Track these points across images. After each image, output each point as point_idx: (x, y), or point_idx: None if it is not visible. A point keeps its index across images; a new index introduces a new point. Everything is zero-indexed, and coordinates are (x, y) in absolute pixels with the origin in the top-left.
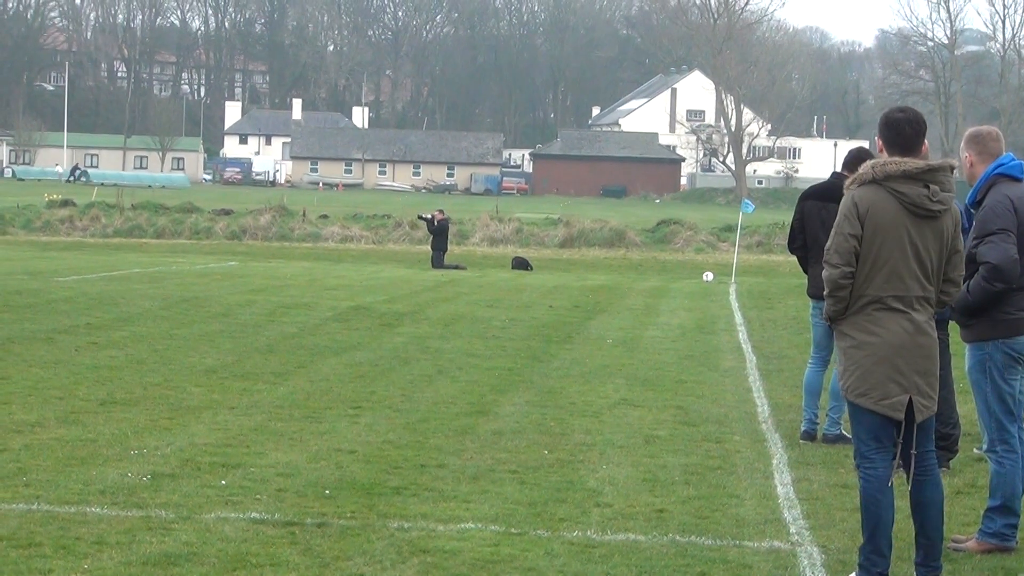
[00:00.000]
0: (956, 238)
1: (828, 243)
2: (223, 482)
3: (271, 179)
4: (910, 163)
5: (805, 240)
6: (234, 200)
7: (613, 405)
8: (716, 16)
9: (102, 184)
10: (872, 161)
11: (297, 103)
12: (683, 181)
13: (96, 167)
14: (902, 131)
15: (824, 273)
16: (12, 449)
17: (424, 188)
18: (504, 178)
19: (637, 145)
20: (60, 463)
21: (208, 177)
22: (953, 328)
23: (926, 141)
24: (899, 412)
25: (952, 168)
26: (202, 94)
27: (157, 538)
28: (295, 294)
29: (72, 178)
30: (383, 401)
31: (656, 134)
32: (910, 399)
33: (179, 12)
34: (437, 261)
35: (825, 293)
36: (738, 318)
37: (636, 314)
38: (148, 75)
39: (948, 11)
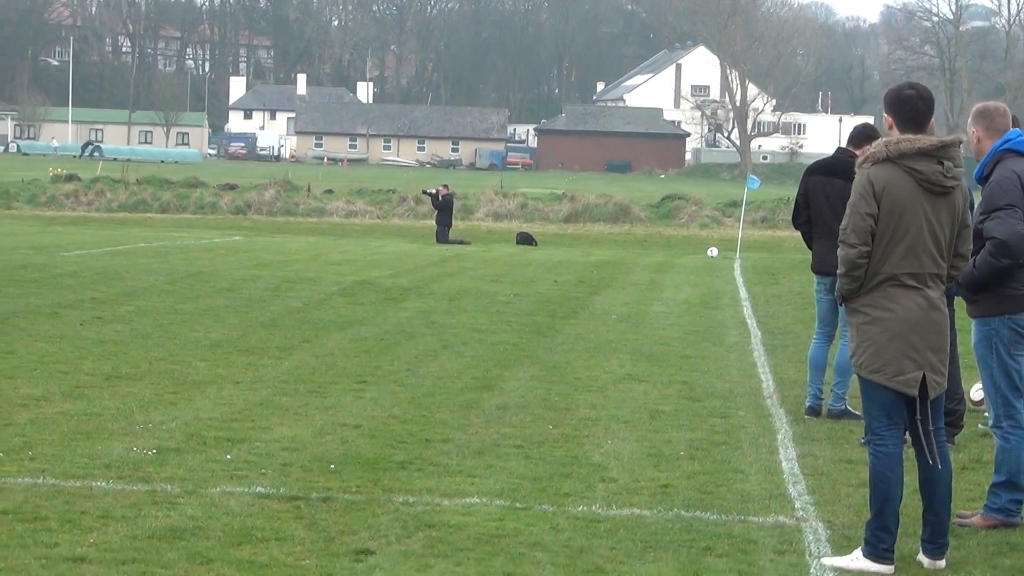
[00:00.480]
0: (966, 213)
1: (844, 222)
2: (228, 456)
3: (276, 154)
4: (924, 140)
5: (810, 215)
6: (239, 175)
7: (618, 380)
8: None
9: (115, 159)
10: (884, 139)
11: (302, 78)
12: (688, 156)
13: (101, 142)
14: (916, 107)
15: (840, 252)
16: (18, 423)
17: (429, 163)
18: (509, 153)
19: (642, 120)
20: (65, 437)
21: (213, 152)
22: (959, 304)
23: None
24: (913, 388)
25: (961, 143)
26: (207, 69)
27: (163, 512)
28: (300, 269)
29: (84, 153)
30: (388, 376)
31: (661, 109)
32: (923, 376)
33: None
34: (442, 236)
35: (840, 272)
36: (743, 293)
37: (641, 289)
38: (153, 50)
39: None
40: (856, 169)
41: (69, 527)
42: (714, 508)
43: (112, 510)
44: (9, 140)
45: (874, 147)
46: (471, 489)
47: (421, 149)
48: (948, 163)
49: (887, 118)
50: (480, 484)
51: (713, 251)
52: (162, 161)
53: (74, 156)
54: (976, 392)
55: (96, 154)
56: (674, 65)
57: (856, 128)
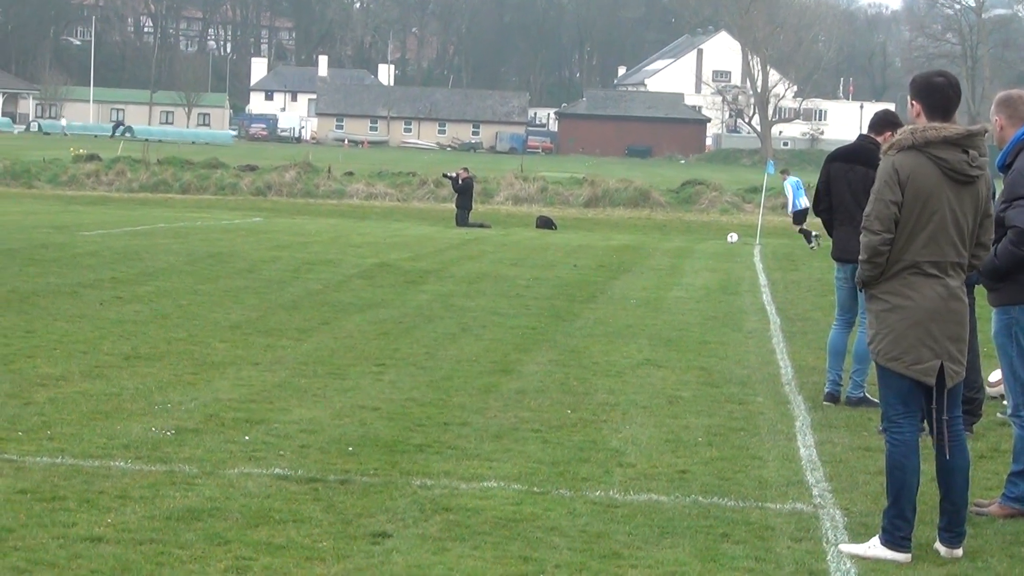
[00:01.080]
0: (989, 202)
1: (867, 209)
2: (246, 438)
3: (296, 136)
4: (950, 129)
5: (831, 202)
6: (259, 156)
7: (636, 365)
8: None
9: (145, 140)
10: (910, 127)
11: (323, 60)
12: (708, 142)
13: (123, 122)
14: (946, 95)
15: (863, 239)
16: (37, 402)
17: (449, 146)
18: (529, 137)
19: (663, 105)
20: (84, 417)
21: (234, 133)
22: (979, 292)
23: None
24: (930, 377)
25: (986, 132)
26: (228, 50)
27: (180, 493)
28: (320, 251)
29: (115, 134)
30: (407, 358)
31: (682, 94)
32: (941, 365)
33: None
34: (462, 219)
35: (862, 259)
36: (762, 279)
37: (660, 274)
38: (175, 30)
39: None
40: (881, 156)
41: (87, 507)
42: (732, 494)
43: (130, 490)
44: (31, 119)
45: (900, 134)
46: (489, 473)
47: (442, 132)
48: (973, 152)
49: (914, 105)
50: (498, 468)
51: (733, 236)
52: (193, 142)
53: (94, 136)
54: (995, 376)
55: (127, 134)
56: (695, 50)
57: (876, 114)
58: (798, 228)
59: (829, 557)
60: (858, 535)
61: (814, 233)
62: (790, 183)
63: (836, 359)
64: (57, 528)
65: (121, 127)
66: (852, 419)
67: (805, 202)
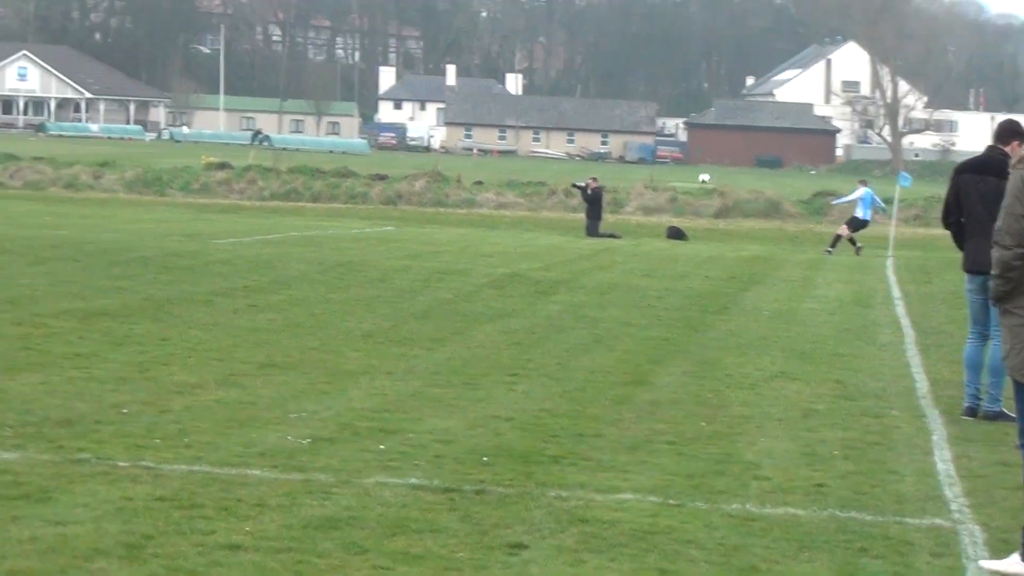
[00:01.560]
0: None
1: (998, 224)
2: (382, 447)
3: (426, 144)
4: None
5: (960, 214)
6: (389, 165)
7: (770, 377)
8: None
9: (283, 149)
10: None
11: (451, 69)
12: (838, 153)
13: (251, 130)
14: None
15: (994, 254)
16: (173, 410)
17: (578, 156)
18: (658, 147)
19: (791, 116)
20: (220, 425)
21: (365, 141)
22: None
23: None
24: None
25: None
26: (356, 59)
27: (317, 501)
28: (450, 260)
29: (254, 142)
30: (539, 369)
31: (811, 105)
32: None
33: None
34: (592, 229)
35: (994, 273)
36: (895, 292)
37: (792, 286)
38: (303, 39)
39: None
40: (1010, 169)
41: (225, 515)
42: (869, 509)
43: (267, 498)
44: (161, 127)
45: None
46: (624, 485)
47: (570, 141)
48: None
49: None
50: (633, 480)
51: (705, 176)
52: (330, 151)
53: (225, 144)
54: None
55: (265, 143)
56: (824, 60)
57: (1001, 124)
58: (847, 234)
59: (969, 573)
60: (998, 551)
61: (859, 244)
62: (862, 192)
63: (973, 373)
64: (196, 536)
65: (259, 135)
66: (989, 433)
67: (870, 215)
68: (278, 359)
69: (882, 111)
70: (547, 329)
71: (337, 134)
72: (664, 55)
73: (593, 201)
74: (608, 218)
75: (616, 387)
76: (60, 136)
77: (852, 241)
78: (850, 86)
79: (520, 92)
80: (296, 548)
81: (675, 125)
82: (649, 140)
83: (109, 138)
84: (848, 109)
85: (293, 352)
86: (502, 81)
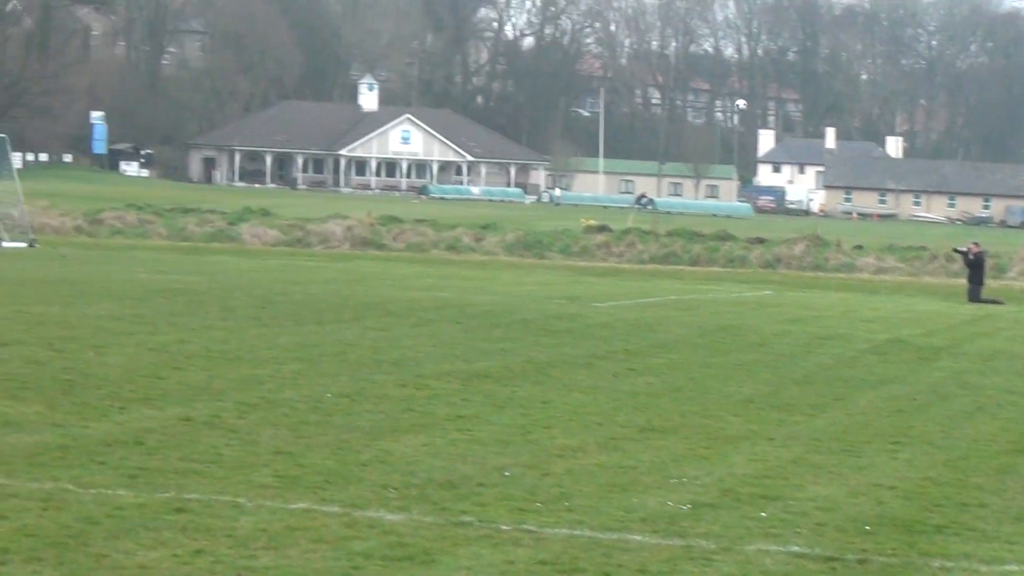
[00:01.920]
0: None
1: None
2: (763, 514)
3: (804, 208)
4: None
5: None
6: (768, 228)
7: None
8: None
9: (667, 212)
10: None
11: (830, 132)
12: None
13: (629, 193)
14: None
15: None
16: (555, 473)
17: (959, 220)
18: None
19: None
20: (601, 489)
21: (747, 205)
22: None
23: None
24: None
25: None
26: (735, 122)
27: (698, 568)
28: (830, 325)
29: (638, 206)
30: (922, 436)
31: None
32: None
33: (712, 40)
34: (973, 295)
35: None
36: None
37: None
38: (682, 102)
39: None
40: None
41: None
42: None
43: (648, 564)
44: (541, 189)
45: None
46: (1009, 556)
47: (951, 205)
48: None
49: None
50: (1018, 551)
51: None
52: (714, 214)
53: (604, 206)
54: None
55: (650, 207)
56: None
57: None
58: None
59: None
60: None
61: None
62: None
63: None
64: None
65: (644, 199)
66: None
67: None
68: (657, 423)
69: None
70: (929, 396)
71: (716, 197)
72: None
73: (975, 266)
74: (990, 283)
75: (1000, 456)
76: (442, 199)
77: None
78: None
79: (900, 155)
80: None
81: None
82: None
83: (490, 200)
84: None
85: (673, 416)
86: (882, 144)
